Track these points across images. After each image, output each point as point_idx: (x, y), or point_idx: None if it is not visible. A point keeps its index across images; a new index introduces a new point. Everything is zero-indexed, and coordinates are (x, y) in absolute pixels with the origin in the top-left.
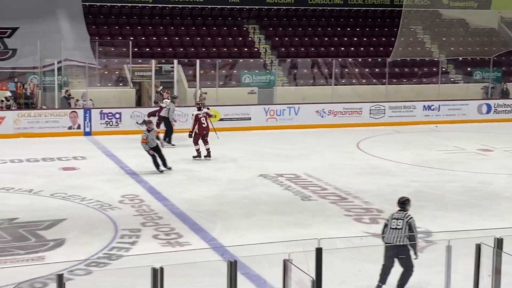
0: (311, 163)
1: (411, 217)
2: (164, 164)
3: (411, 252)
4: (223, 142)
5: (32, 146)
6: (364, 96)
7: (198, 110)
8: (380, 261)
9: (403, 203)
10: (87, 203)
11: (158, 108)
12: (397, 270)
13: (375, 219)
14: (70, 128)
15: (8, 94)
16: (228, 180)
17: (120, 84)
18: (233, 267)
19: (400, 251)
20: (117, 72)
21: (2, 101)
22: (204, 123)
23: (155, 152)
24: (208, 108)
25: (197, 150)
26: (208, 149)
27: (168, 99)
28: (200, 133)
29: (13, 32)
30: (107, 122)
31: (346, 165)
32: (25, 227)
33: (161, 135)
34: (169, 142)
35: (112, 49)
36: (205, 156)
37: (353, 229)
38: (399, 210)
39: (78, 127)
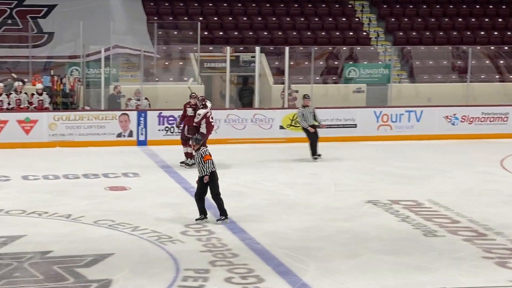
0: (438, 186)
1: None
2: (221, 213)
3: None
4: (319, 157)
5: (71, 158)
6: (511, 97)
7: (203, 108)
8: None
9: None
10: (140, 234)
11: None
12: None
13: None
14: (119, 135)
15: (40, 86)
16: (325, 207)
17: (185, 78)
18: None
19: None
20: (181, 63)
21: (33, 94)
22: (213, 121)
23: (208, 182)
24: (209, 102)
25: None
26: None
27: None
28: (209, 133)
29: (50, 12)
30: (167, 129)
31: (486, 190)
32: (61, 263)
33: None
34: (315, 153)
35: (175, 32)
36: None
37: (495, 276)
38: None
39: (130, 134)
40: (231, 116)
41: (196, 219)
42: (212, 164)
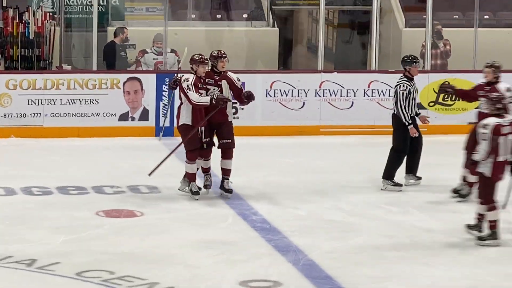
0: None
1: None
2: None
3: None
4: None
5: (38, 158)
6: None
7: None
8: None
9: None
10: None
11: None
12: None
13: None
14: (124, 117)
15: None
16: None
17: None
18: None
19: None
20: None
21: None
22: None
23: None
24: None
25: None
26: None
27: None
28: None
29: None
30: None
31: None
32: None
33: None
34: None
35: None
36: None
37: None
38: None
39: (144, 117)
40: (328, 85)
41: None
42: None
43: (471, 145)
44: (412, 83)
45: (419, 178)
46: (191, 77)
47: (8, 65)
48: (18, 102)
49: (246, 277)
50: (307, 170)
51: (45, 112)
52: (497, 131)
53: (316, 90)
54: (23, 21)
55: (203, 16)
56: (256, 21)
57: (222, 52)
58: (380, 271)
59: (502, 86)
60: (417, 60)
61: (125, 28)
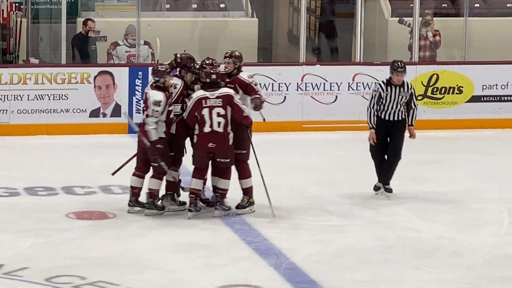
0: None
1: None
2: None
3: None
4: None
5: (4, 157)
6: None
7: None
8: None
9: None
10: None
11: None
12: None
13: None
14: (95, 113)
15: None
16: (489, 255)
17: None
18: None
19: None
20: None
21: None
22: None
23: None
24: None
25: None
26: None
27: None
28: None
29: None
30: None
31: None
32: None
33: None
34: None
35: None
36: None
37: None
38: None
39: (116, 113)
40: (310, 78)
41: None
42: None
43: None
44: (392, 89)
45: (389, 190)
46: (179, 84)
47: None
48: None
49: (225, 282)
50: (289, 168)
51: (12, 108)
52: (199, 103)
53: (298, 83)
54: None
55: (177, 6)
56: (233, 11)
57: (209, 62)
58: (367, 275)
59: (244, 75)
60: (400, 68)
61: (89, 20)
